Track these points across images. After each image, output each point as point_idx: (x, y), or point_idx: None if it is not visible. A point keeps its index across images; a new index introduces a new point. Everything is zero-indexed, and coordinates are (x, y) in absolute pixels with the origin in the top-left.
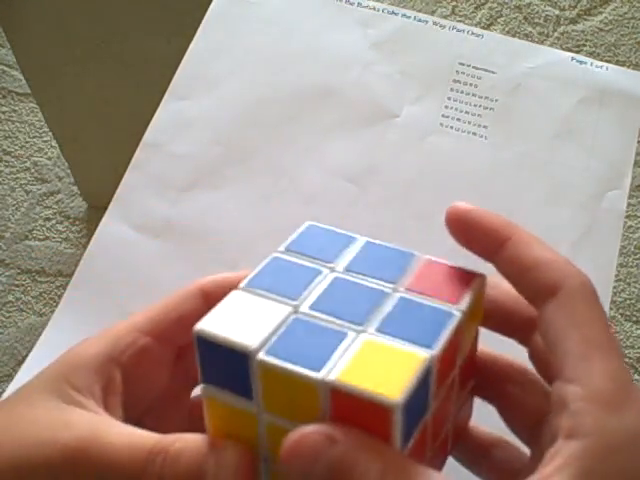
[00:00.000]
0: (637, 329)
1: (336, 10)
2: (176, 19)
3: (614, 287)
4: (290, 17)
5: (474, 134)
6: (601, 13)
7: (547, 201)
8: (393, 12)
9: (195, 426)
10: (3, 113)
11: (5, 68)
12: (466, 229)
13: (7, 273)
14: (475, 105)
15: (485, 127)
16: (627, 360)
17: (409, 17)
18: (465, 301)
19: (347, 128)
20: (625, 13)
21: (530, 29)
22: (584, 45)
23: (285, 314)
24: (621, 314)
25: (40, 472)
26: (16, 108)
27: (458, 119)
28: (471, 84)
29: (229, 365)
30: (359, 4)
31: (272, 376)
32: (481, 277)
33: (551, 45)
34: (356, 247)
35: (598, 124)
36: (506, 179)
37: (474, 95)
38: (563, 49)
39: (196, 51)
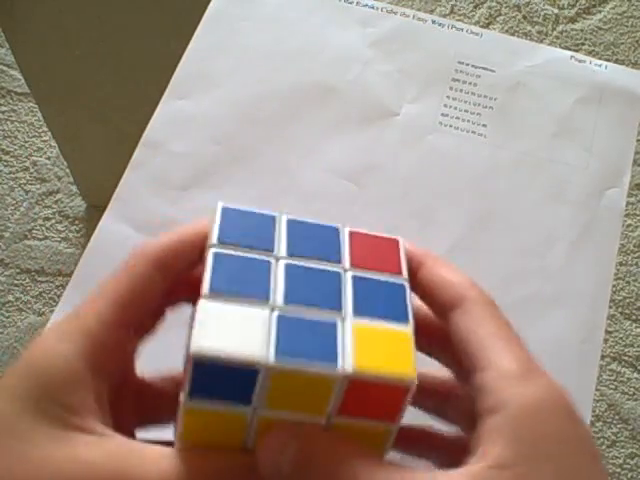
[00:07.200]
0: (636, 327)
1: (335, 9)
2: (176, 19)
3: (613, 285)
4: (289, 16)
5: (473, 133)
6: (600, 12)
7: (546, 199)
8: (392, 11)
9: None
10: (2, 113)
11: (4, 68)
12: None
13: (6, 273)
14: (474, 104)
15: (484, 126)
16: (626, 358)
17: (408, 16)
18: (404, 269)
19: (346, 127)
20: (624, 12)
21: (529, 28)
22: (583, 44)
23: (266, 315)
24: (620, 312)
25: None
26: (15, 108)
27: (457, 118)
28: (470, 83)
29: (229, 379)
30: (358, 3)
31: (283, 378)
32: (398, 240)
33: (550, 44)
34: (282, 227)
35: (597, 122)
36: (505, 178)
37: (473, 94)
38: (562, 48)
39: (195, 50)
